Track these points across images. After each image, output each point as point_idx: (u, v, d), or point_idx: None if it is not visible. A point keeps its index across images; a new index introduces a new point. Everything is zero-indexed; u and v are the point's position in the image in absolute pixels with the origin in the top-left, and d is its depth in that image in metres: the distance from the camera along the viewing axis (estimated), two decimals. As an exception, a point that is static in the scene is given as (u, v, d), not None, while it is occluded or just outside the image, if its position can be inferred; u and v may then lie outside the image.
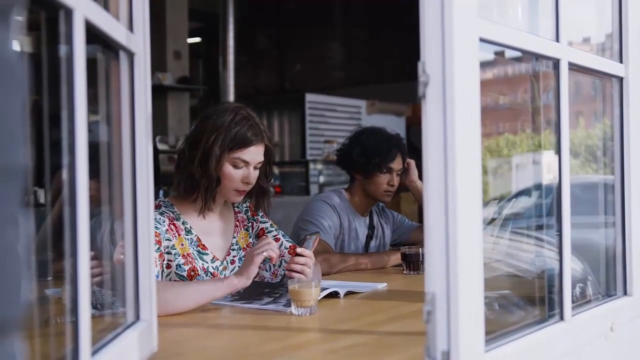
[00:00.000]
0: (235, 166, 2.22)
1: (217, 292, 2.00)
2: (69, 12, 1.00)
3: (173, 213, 2.25)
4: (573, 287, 1.63)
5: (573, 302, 1.57)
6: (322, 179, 7.70)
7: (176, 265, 2.18)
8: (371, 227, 3.19)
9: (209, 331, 1.79)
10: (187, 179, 2.23)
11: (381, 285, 2.39)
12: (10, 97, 0.56)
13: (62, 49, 1.01)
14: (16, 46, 0.61)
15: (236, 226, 2.40)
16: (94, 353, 1.09)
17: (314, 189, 7.45)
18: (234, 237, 2.38)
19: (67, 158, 1.01)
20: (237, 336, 1.73)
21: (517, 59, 1.78)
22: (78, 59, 1.01)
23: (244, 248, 2.38)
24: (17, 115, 0.57)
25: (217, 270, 2.28)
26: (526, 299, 1.72)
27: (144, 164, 1.39)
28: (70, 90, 1.01)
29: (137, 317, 1.38)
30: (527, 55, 1.65)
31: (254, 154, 2.24)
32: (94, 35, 1.11)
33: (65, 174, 1.01)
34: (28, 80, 0.61)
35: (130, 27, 1.36)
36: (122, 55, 1.35)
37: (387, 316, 1.94)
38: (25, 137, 0.59)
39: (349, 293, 2.22)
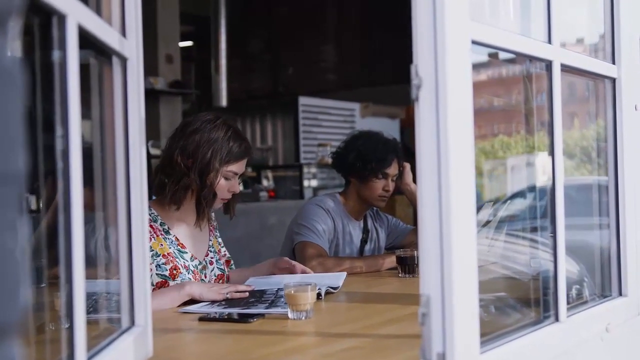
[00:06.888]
0: (226, 178, 2.34)
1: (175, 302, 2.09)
2: (62, 18, 1.00)
3: (150, 215, 2.29)
4: (570, 289, 1.64)
5: (569, 303, 1.57)
6: (316, 182, 7.68)
7: (156, 265, 2.24)
8: (365, 231, 3.19)
9: (205, 336, 1.78)
10: (182, 190, 2.30)
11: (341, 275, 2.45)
12: (10, 103, 0.56)
13: (55, 54, 1.01)
14: (14, 52, 0.61)
15: (210, 231, 2.51)
16: (90, 358, 1.09)
17: (308, 192, 7.43)
18: (210, 240, 2.49)
19: (60, 163, 1.01)
20: (233, 341, 1.73)
21: (511, 61, 1.79)
22: (71, 65, 1.01)
23: (217, 251, 2.50)
24: (17, 121, 0.58)
25: (197, 269, 2.36)
26: (521, 301, 1.72)
27: (137, 169, 1.39)
28: (64, 95, 1.01)
29: (132, 323, 1.38)
30: (521, 57, 1.65)
31: (244, 166, 2.39)
32: (86, 40, 1.11)
33: (59, 180, 1.01)
34: (25, 86, 0.62)
35: (123, 33, 1.36)
36: (115, 61, 1.34)
37: (383, 319, 1.94)
38: (24, 143, 0.60)
39: (329, 292, 2.25)
